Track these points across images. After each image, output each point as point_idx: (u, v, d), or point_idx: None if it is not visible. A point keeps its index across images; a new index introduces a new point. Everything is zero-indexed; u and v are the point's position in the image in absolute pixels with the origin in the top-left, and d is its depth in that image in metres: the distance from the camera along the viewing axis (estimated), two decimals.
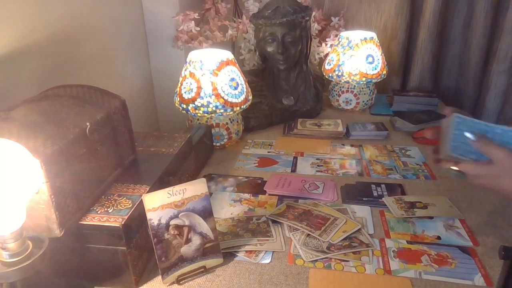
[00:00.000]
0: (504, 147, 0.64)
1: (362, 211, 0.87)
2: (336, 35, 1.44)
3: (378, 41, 1.35)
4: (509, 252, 0.56)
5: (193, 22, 1.25)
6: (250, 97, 1.14)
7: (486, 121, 0.68)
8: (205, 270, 0.70)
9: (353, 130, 1.24)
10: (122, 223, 0.63)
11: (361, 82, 1.34)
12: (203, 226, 0.70)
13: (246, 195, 0.94)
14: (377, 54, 1.33)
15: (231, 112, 1.07)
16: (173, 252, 0.68)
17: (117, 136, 0.76)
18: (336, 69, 1.35)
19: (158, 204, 0.66)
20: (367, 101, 1.40)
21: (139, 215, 0.67)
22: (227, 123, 1.12)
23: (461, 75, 1.50)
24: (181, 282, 0.68)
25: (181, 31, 1.26)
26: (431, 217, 0.84)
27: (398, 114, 1.33)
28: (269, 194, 0.94)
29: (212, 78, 1.03)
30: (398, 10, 1.47)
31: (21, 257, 0.55)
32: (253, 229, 0.81)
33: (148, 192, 0.71)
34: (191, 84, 1.05)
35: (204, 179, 0.71)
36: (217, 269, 0.72)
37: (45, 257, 0.57)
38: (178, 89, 1.09)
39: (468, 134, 0.65)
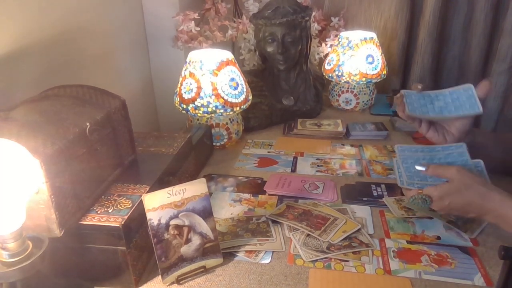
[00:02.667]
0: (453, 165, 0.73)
1: (362, 211, 0.87)
2: (336, 35, 1.44)
3: (378, 41, 1.35)
4: (509, 252, 0.56)
5: (193, 22, 1.25)
6: (250, 97, 1.14)
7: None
8: (205, 270, 0.70)
9: (353, 130, 1.24)
10: (122, 223, 0.63)
11: (361, 82, 1.34)
12: (203, 226, 0.70)
13: (246, 195, 0.94)
14: (377, 54, 1.33)
15: (231, 112, 1.07)
16: (173, 252, 0.68)
17: (117, 136, 0.76)
18: (336, 69, 1.35)
19: (158, 204, 0.66)
20: (367, 101, 1.40)
21: (139, 215, 0.67)
22: (227, 123, 1.12)
23: (461, 75, 1.50)
24: (181, 282, 0.69)
25: (181, 31, 1.26)
26: (431, 217, 0.84)
27: (398, 114, 1.33)
28: (269, 194, 0.94)
29: (212, 78, 1.03)
30: (398, 10, 1.46)
31: (21, 257, 0.55)
32: (253, 229, 0.81)
33: (148, 192, 0.71)
34: (191, 84, 1.05)
35: (204, 179, 0.71)
36: (217, 269, 0.72)
37: (45, 257, 0.57)
38: (178, 89, 1.09)
39: (418, 167, 0.75)
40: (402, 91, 0.86)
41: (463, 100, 0.80)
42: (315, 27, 1.48)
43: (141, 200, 0.66)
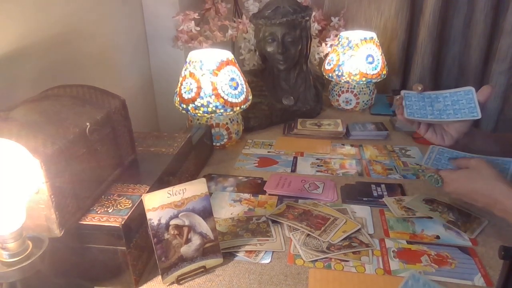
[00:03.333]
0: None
1: (362, 211, 0.87)
2: (336, 35, 1.44)
3: (378, 41, 1.35)
4: (509, 252, 0.56)
5: (193, 22, 1.25)
6: (250, 97, 1.14)
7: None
8: (205, 270, 0.70)
9: (353, 130, 1.24)
10: (122, 223, 0.63)
11: (361, 82, 1.34)
12: (203, 226, 0.70)
13: (246, 195, 0.94)
14: (377, 54, 1.33)
15: (231, 112, 1.07)
16: (173, 252, 0.68)
17: (117, 136, 0.76)
18: (336, 69, 1.35)
19: (158, 204, 0.66)
20: (367, 101, 1.40)
21: (139, 215, 0.67)
22: (227, 123, 1.12)
23: (461, 75, 1.50)
24: (181, 282, 0.69)
25: (181, 31, 1.26)
26: (430, 217, 0.84)
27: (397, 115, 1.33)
28: (269, 194, 0.94)
29: (212, 78, 1.03)
30: (398, 10, 1.46)
31: (21, 257, 0.55)
32: (253, 229, 0.81)
33: (148, 192, 0.71)
34: (191, 84, 1.05)
35: (204, 179, 0.71)
36: (217, 269, 0.72)
37: (45, 257, 0.57)
38: (178, 89, 1.09)
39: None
40: (402, 92, 0.87)
41: (463, 103, 0.81)
42: (315, 27, 1.48)
43: (141, 200, 0.66)
